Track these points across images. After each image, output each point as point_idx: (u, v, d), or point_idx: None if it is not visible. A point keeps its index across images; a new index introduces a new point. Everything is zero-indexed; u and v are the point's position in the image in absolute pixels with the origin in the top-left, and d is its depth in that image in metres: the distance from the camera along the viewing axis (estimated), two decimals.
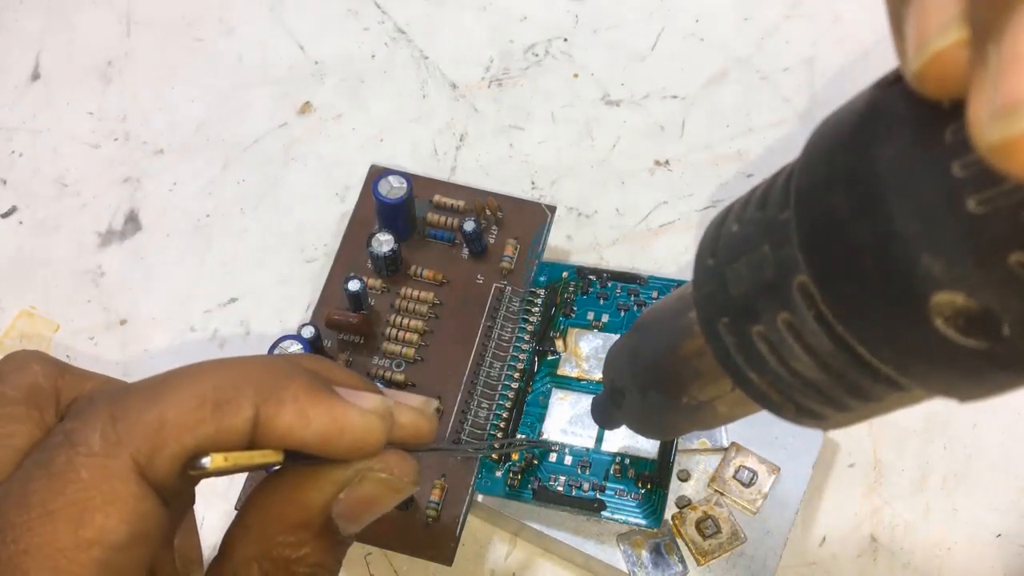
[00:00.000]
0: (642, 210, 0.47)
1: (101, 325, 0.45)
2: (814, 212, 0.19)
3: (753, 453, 0.38)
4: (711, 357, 0.23)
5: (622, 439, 0.37)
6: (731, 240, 0.22)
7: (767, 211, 0.20)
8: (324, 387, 0.23)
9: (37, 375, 0.23)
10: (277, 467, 0.24)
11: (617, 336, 0.39)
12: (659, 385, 0.27)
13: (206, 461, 0.21)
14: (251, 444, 0.22)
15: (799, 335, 0.20)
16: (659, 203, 0.47)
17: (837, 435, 0.41)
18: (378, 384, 0.38)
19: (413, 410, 0.26)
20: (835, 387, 0.20)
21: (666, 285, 0.40)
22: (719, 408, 0.25)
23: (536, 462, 0.37)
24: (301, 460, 0.23)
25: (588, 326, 0.40)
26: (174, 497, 0.22)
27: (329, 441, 0.23)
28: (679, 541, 0.37)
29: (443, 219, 0.43)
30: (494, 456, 0.38)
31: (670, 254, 0.46)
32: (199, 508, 0.28)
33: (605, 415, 0.33)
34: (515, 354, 0.40)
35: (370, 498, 0.24)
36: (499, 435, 0.38)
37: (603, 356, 0.39)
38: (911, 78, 0.16)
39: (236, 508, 0.38)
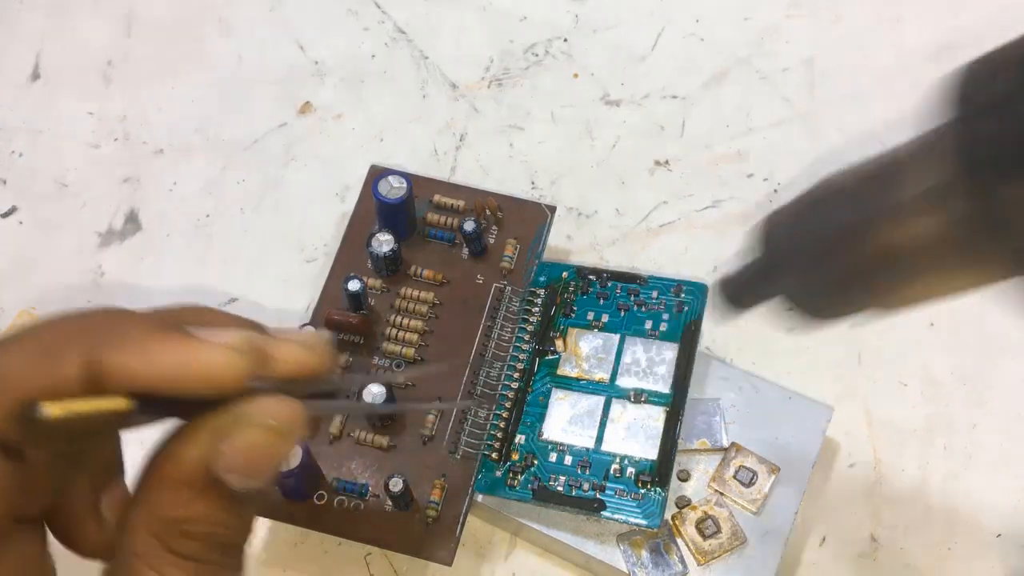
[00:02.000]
0: (642, 210, 0.47)
1: None
2: None
3: (753, 453, 0.38)
4: (935, 222, 0.21)
5: (622, 439, 0.37)
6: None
7: None
8: (172, 327, 0.22)
9: None
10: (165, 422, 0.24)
11: (617, 336, 0.39)
12: (853, 254, 0.24)
13: (40, 410, 0.21)
14: (98, 392, 0.22)
15: None
16: (659, 203, 0.47)
17: (837, 435, 0.41)
18: (375, 386, 0.37)
19: (295, 344, 0.24)
20: None
21: (666, 285, 0.40)
22: (924, 281, 0.23)
23: (536, 461, 0.37)
24: (166, 409, 0.23)
25: (588, 326, 0.40)
26: (38, 450, 0.22)
27: (176, 379, 0.22)
28: (679, 541, 0.37)
29: (443, 219, 0.42)
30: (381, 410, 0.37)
31: (670, 254, 0.46)
32: None
33: (744, 292, 0.30)
34: (515, 354, 0.40)
35: (252, 446, 0.22)
36: (499, 435, 0.38)
37: (603, 356, 0.39)
38: None
39: None
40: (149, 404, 0.22)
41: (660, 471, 0.37)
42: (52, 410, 0.21)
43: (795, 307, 0.28)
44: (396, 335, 0.40)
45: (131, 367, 0.21)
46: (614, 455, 0.37)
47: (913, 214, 0.23)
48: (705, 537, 0.37)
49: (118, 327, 0.22)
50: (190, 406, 0.22)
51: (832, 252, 0.25)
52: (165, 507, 0.22)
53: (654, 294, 0.40)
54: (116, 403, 0.22)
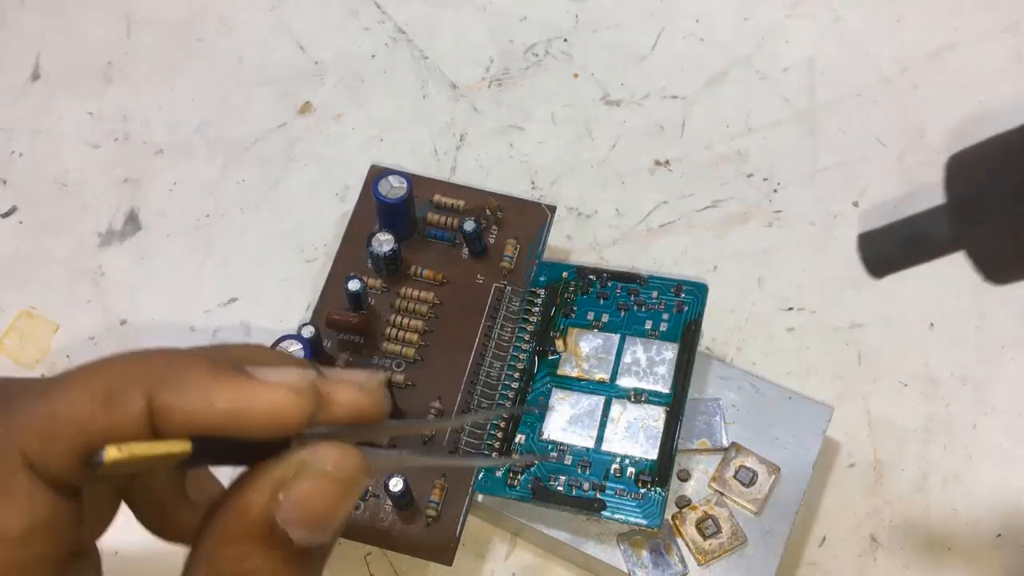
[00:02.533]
0: (642, 210, 0.47)
1: (101, 325, 0.45)
2: None
3: (753, 453, 0.38)
4: None
5: (622, 439, 0.37)
6: None
7: None
8: (229, 367, 0.22)
9: None
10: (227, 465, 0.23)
11: (617, 336, 0.39)
12: None
13: (102, 455, 0.21)
14: (157, 434, 0.21)
15: None
16: (659, 203, 0.47)
17: (837, 435, 0.41)
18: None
19: (351, 386, 0.23)
20: None
21: (666, 285, 0.40)
22: None
23: (535, 462, 0.37)
24: (224, 452, 0.22)
25: (588, 326, 0.40)
26: (89, 490, 0.22)
27: (236, 420, 0.21)
28: (679, 541, 0.37)
29: (443, 219, 0.43)
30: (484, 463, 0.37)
31: (670, 254, 0.46)
32: None
33: (908, 247, 0.27)
34: (515, 354, 0.40)
35: (311, 495, 0.22)
36: (499, 435, 0.38)
37: (603, 356, 0.39)
38: None
39: None
40: (208, 447, 0.22)
41: (660, 471, 0.37)
42: (113, 454, 0.21)
43: (980, 265, 0.25)
44: (396, 335, 0.40)
45: (192, 408, 0.21)
46: (614, 455, 0.37)
47: None
48: (705, 537, 0.37)
49: (178, 367, 0.22)
50: (249, 451, 0.22)
51: None
52: (226, 561, 0.22)
53: (654, 294, 0.40)
54: (177, 446, 0.21)
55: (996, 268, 0.26)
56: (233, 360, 0.23)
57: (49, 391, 0.22)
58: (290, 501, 0.22)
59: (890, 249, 0.27)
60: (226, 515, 0.22)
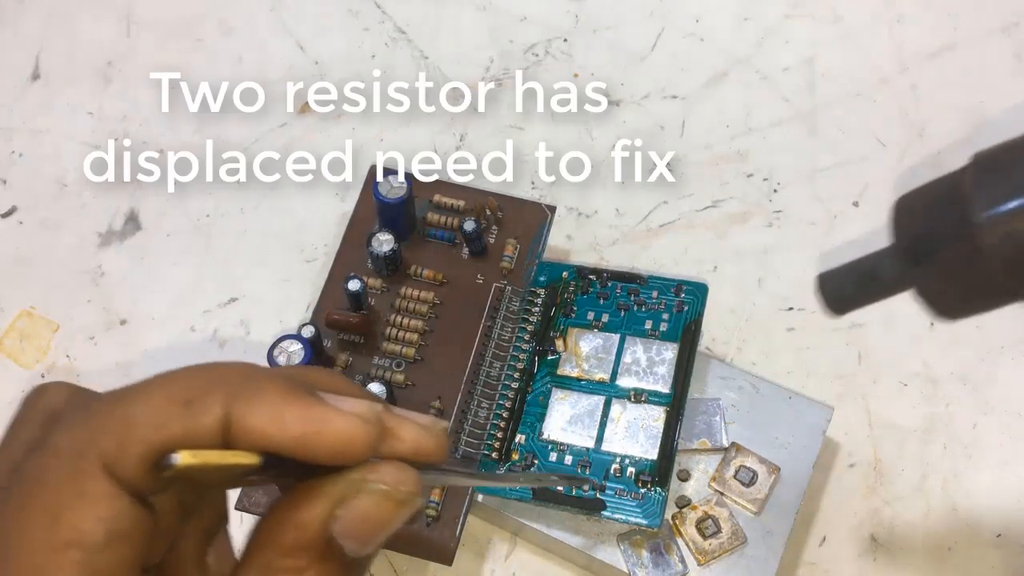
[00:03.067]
0: (642, 210, 0.47)
1: (101, 325, 0.45)
2: None
3: (753, 453, 0.38)
4: None
5: (622, 439, 0.37)
6: None
7: None
8: (304, 390, 0.23)
9: (58, 400, 0.23)
10: (286, 482, 0.24)
11: (617, 336, 0.39)
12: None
13: (175, 458, 0.21)
14: (226, 446, 0.22)
15: None
16: (659, 203, 0.47)
17: (837, 435, 0.41)
18: (376, 386, 0.38)
19: (416, 425, 0.24)
20: None
21: (666, 285, 0.40)
22: None
23: (536, 462, 0.37)
24: (286, 468, 0.23)
25: (588, 326, 0.40)
26: (161, 497, 0.22)
27: (306, 443, 0.22)
28: (679, 541, 0.37)
29: (443, 219, 0.43)
30: (512, 484, 0.37)
31: (670, 254, 0.46)
32: None
33: (860, 288, 0.28)
34: (515, 354, 0.40)
35: (369, 513, 0.23)
36: (499, 435, 0.38)
37: (603, 356, 0.39)
38: None
39: (236, 508, 0.38)
40: (275, 462, 0.22)
41: (660, 471, 0.37)
42: (187, 459, 0.21)
43: (929, 303, 0.26)
44: (396, 335, 0.40)
45: (265, 427, 0.22)
46: (614, 455, 0.37)
47: None
48: (705, 537, 0.37)
49: (256, 384, 0.22)
50: (311, 469, 0.23)
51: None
52: (284, 572, 0.22)
53: (654, 294, 0.40)
54: (248, 458, 0.22)
55: (943, 306, 0.26)
56: (309, 384, 0.23)
57: (128, 395, 0.22)
58: (348, 518, 0.23)
59: (848, 288, 0.28)
60: (284, 528, 0.23)
